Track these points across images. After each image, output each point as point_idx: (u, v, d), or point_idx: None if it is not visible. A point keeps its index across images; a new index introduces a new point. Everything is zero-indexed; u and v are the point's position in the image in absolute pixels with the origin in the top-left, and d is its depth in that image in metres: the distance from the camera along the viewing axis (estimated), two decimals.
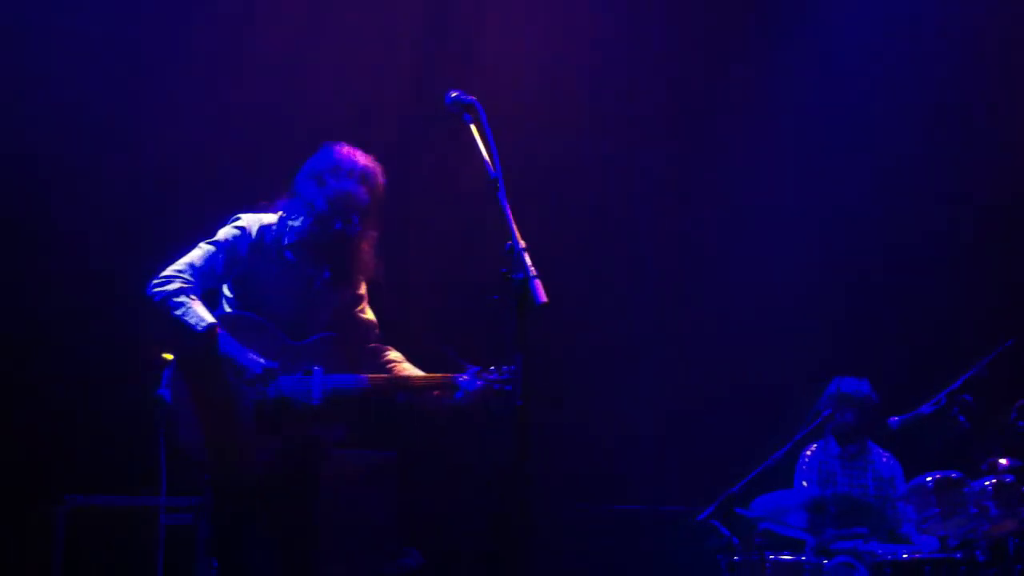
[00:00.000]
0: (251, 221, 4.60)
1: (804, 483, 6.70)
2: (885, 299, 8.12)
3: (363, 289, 4.85)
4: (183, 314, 4.34)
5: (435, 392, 4.67)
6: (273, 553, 4.49)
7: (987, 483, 5.80)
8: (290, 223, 4.57)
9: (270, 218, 4.63)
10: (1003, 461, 5.90)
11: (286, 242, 4.57)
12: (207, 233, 4.61)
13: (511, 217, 3.82)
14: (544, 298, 3.54)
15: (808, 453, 6.76)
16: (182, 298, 4.36)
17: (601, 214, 8.37)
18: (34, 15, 7.08)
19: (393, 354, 4.88)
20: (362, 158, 4.63)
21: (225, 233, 4.57)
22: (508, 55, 8.05)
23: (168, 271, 4.44)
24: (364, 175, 4.58)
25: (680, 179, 8.48)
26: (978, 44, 8.08)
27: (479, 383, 4.59)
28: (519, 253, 3.66)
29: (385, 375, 4.74)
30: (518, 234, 3.72)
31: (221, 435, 4.38)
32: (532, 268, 3.62)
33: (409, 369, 4.81)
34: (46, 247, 7.04)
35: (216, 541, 4.57)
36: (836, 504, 5.93)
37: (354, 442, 4.85)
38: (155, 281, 4.41)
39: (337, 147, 4.65)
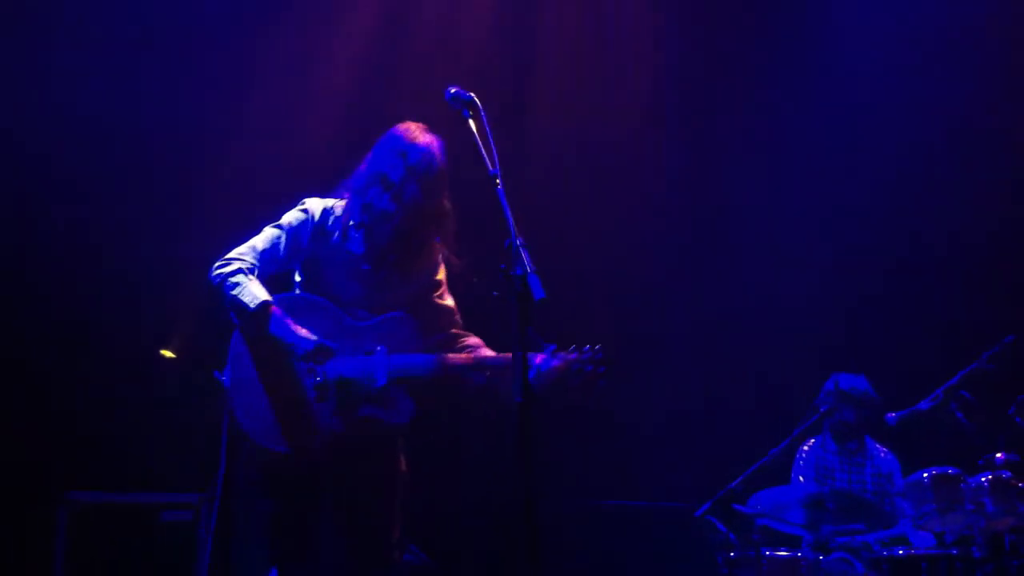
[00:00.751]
0: (315, 204, 4.52)
1: (801, 479, 6.72)
2: (884, 295, 8.12)
3: (442, 274, 4.69)
4: (239, 293, 4.26)
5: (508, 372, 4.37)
6: (337, 541, 4.34)
7: (984, 479, 5.83)
8: (362, 203, 4.46)
9: (335, 202, 4.54)
10: (999, 455, 5.92)
11: (354, 221, 4.48)
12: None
13: (510, 213, 3.84)
14: (543, 294, 3.55)
15: (806, 449, 6.78)
16: (239, 277, 4.30)
17: (607, 213, 8.37)
18: (35, 17, 7.10)
19: (472, 340, 4.68)
20: (431, 138, 4.51)
21: (289, 216, 4.49)
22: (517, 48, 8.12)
23: (230, 254, 4.38)
24: (433, 154, 4.47)
25: (683, 182, 8.48)
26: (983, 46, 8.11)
27: (555, 362, 4.34)
28: (518, 249, 3.67)
29: (455, 355, 4.52)
30: (516, 230, 3.74)
31: (283, 417, 4.25)
32: (531, 264, 3.62)
33: (487, 353, 4.59)
34: (45, 247, 7.04)
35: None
36: (834, 500, 5.94)
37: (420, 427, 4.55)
38: (217, 264, 4.35)
39: (407, 127, 4.54)
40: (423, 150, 4.44)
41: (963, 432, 6.12)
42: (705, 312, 8.25)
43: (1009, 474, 5.86)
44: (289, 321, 4.27)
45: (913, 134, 8.20)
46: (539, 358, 4.33)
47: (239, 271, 4.31)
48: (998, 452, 5.97)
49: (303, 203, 4.54)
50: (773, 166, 8.36)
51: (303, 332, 4.25)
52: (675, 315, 8.23)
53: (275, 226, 4.47)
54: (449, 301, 4.71)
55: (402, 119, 4.61)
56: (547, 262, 3.77)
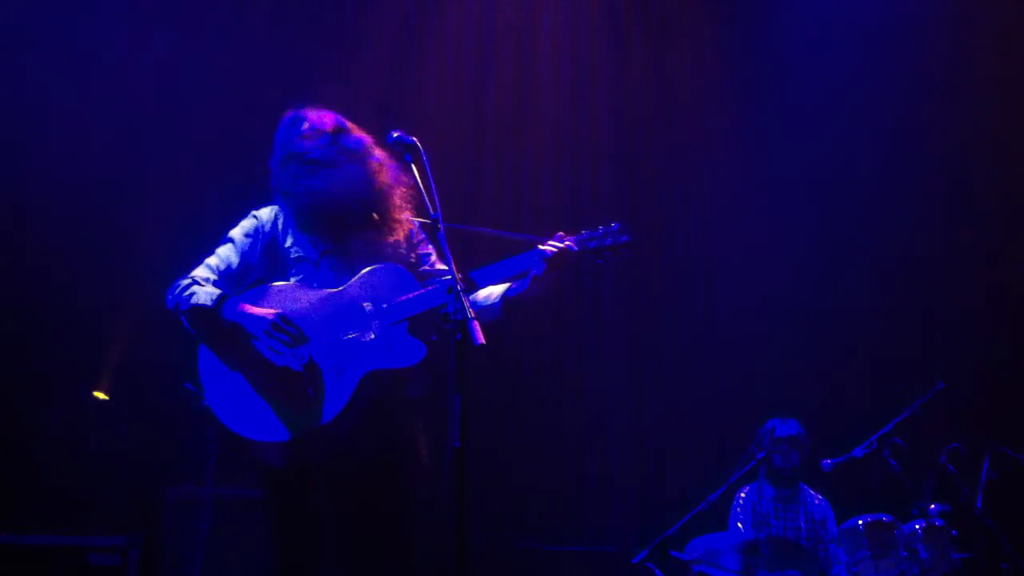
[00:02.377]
0: (264, 211, 4.43)
1: (740, 525, 6.73)
2: (818, 341, 8.19)
3: (426, 248, 4.48)
4: (192, 298, 4.15)
5: (520, 276, 4.24)
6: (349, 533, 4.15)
7: (917, 526, 5.89)
8: (283, 192, 4.35)
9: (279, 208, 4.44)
10: (933, 505, 5.99)
11: (293, 214, 4.35)
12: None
13: (451, 257, 3.84)
14: (482, 339, 3.54)
15: (743, 495, 6.79)
16: (193, 288, 4.18)
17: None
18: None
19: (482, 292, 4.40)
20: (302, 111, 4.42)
21: (238, 228, 4.40)
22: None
23: (185, 277, 4.27)
24: (304, 119, 4.38)
25: (641, 217, 8.49)
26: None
27: (558, 246, 4.17)
28: (458, 293, 3.68)
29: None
30: (457, 275, 3.75)
31: (279, 405, 4.08)
32: (471, 310, 3.63)
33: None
34: None
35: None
36: (769, 546, 5.95)
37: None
38: (170, 289, 4.25)
39: (292, 112, 4.45)
40: (311, 116, 4.38)
41: (895, 479, 6.18)
42: (640, 357, 8.25)
43: (942, 522, 5.92)
44: (247, 305, 4.14)
45: (850, 187, 8.35)
46: (539, 251, 4.19)
47: (193, 283, 4.21)
48: (929, 499, 6.03)
49: (251, 213, 4.45)
50: (720, 209, 8.41)
51: (262, 310, 4.11)
52: (611, 360, 8.22)
53: (224, 241, 4.38)
54: (441, 266, 4.46)
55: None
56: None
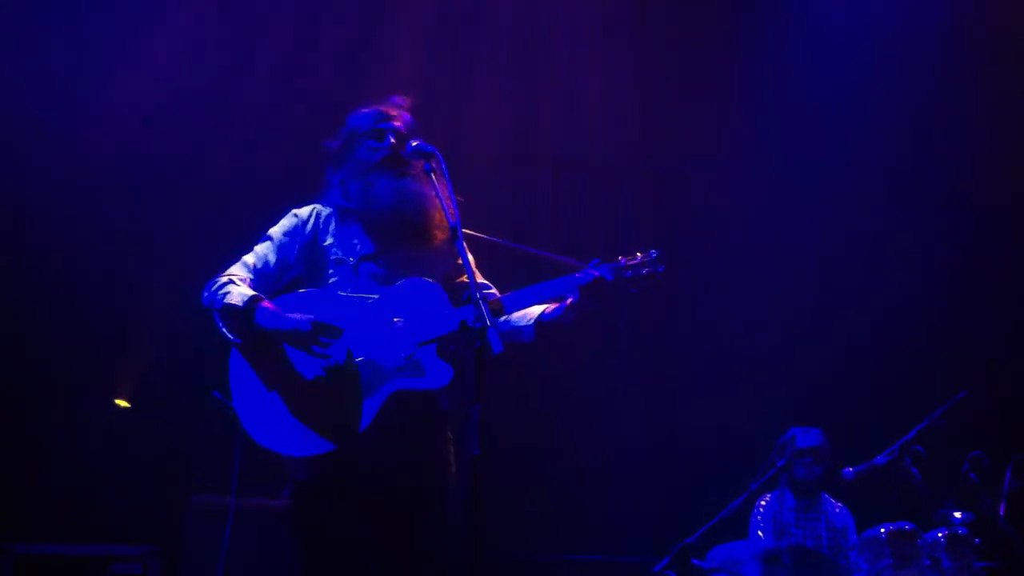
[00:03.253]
0: (303, 210, 4.35)
1: (760, 533, 6.71)
2: (841, 350, 8.16)
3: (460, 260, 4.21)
4: (226, 298, 4.07)
5: (554, 301, 4.19)
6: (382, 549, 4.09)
7: (940, 535, 5.86)
8: (335, 192, 4.30)
9: (320, 208, 4.37)
10: (957, 513, 5.95)
11: (341, 216, 4.29)
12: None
13: (471, 266, 3.84)
14: (501, 348, 3.52)
15: (763, 504, 6.77)
16: (228, 287, 4.11)
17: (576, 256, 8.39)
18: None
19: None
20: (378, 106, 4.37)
21: (277, 227, 4.33)
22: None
23: (222, 274, 4.20)
24: (384, 117, 4.32)
25: (652, 230, 8.49)
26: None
27: (595, 273, 4.12)
28: (477, 302, 3.67)
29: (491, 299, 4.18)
30: (477, 283, 3.74)
31: (304, 418, 4.01)
32: (490, 318, 3.60)
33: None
34: None
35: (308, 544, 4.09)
36: (790, 555, 5.94)
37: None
38: (207, 284, 4.18)
39: (356, 111, 4.40)
40: (372, 115, 4.33)
41: (916, 487, 6.14)
42: (664, 363, 8.25)
43: (965, 530, 5.89)
44: (282, 311, 4.05)
45: (861, 188, 8.33)
46: (582, 272, 4.14)
47: (229, 282, 4.14)
48: (952, 508, 6.00)
49: (291, 212, 4.37)
50: (737, 218, 8.40)
51: (297, 316, 4.01)
52: (634, 366, 8.21)
53: (263, 239, 4.32)
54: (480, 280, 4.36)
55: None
56: None
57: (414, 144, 4.09)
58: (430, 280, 4.17)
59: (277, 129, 7.42)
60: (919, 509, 6.15)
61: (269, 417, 4.06)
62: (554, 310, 4.24)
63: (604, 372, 8.15)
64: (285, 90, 7.58)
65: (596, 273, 4.13)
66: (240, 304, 4.05)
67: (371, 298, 4.15)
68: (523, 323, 4.28)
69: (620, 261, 4.18)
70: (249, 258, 4.26)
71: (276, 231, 4.31)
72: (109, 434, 7.04)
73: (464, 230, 3.97)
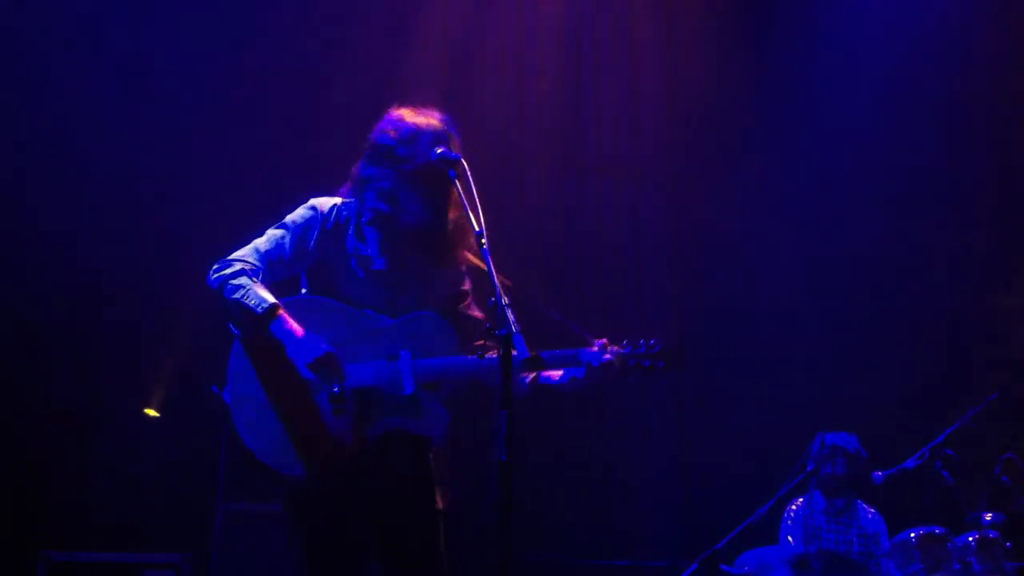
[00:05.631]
0: (323, 202, 4.19)
1: (790, 539, 6.68)
2: (870, 354, 8.13)
3: (467, 285, 4.31)
4: (242, 296, 3.94)
5: (558, 370, 4.10)
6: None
7: (971, 539, 5.82)
8: (371, 192, 4.15)
9: (343, 200, 4.22)
10: (987, 515, 5.91)
11: (366, 219, 4.15)
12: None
13: (494, 273, 3.83)
14: (528, 353, 3.50)
15: (793, 508, 6.74)
16: (242, 279, 3.97)
17: (602, 264, 8.42)
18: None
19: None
20: (430, 114, 4.23)
21: (295, 215, 4.17)
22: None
23: (230, 256, 4.05)
24: (435, 130, 4.17)
25: (682, 234, 8.49)
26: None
27: (607, 357, 4.06)
28: (503, 308, 3.65)
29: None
30: (501, 289, 3.73)
31: (294, 435, 3.93)
32: (515, 324, 3.57)
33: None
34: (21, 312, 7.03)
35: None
36: (820, 561, 5.92)
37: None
38: (215, 266, 4.03)
39: (399, 112, 4.24)
40: (426, 124, 4.19)
41: (948, 491, 6.11)
42: (692, 369, 8.23)
43: (996, 533, 5.85)
44: (297, 326, 3.94)
45: (890, 189, 8.30)
46: (591, 351, 4.07)
47: (242, 272, 4.00)
48: (983, 511, 5.97)
49: (310, 202, 4.24)
50: (759, 217, 8.39)
51: (315, 342, 3.92)
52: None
53: (279, 226, 4.16)
54: (477, 313, 4.31)
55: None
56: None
57: (439, 151, 4.03)
58: (435, 314, 4.10)
59: (306, 131, 7.45)
60: (952, 512, 6.11)
61: (259, 422, 3.98)
62: (559, 377, 4.16)
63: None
64: (315, 91, 7.60)
65: (609, 357, 4.07)
66: (259, 311, 3.94)
67: (377, 325, 4.07)
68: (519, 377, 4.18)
69: (626, 348, 4.11)
70: (262, 244, 4.11)
71: (294, 219, 4.18)
72: (143, 442, 7.09)
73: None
